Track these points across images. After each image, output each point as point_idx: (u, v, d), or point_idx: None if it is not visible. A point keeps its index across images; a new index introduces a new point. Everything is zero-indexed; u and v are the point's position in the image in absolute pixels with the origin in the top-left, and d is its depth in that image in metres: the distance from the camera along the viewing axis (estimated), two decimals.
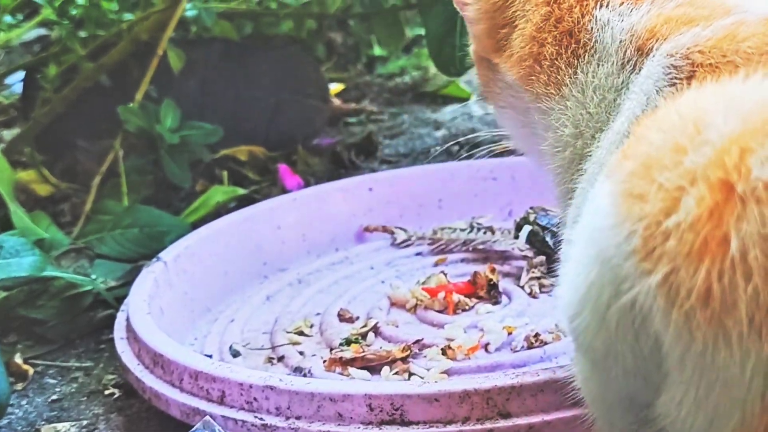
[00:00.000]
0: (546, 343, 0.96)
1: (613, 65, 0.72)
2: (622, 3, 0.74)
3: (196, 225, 1.39)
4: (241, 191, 1.48)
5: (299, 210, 1.25)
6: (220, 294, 1.15)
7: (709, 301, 0.49)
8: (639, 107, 0.67)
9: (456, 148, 1.64)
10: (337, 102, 1.94)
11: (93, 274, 1.23)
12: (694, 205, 0.50)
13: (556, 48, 0.76)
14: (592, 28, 0.74)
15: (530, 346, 0.96)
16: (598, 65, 0.73)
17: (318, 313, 1.09)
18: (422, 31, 1.96)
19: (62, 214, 1.48)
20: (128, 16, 1.58)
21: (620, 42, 0.72)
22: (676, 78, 0.65)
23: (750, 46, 0.63)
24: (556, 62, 0.76)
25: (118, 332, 0.99)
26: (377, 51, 2.18)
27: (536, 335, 0.97)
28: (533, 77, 0.78)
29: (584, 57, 0.74)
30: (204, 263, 1.14)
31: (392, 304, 1.09)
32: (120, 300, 1.13)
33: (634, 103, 0.68)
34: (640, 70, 0.70)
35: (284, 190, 1.51)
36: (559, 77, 0.76)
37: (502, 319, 1.02)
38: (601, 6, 0.75)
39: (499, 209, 1.29)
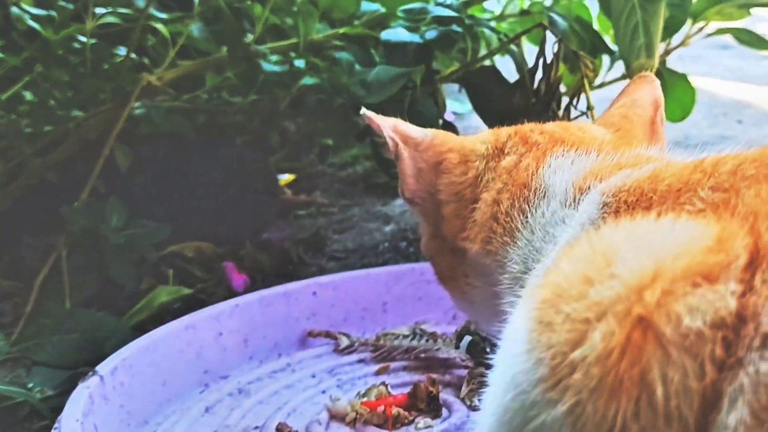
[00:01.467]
0: None
1: (559, 203, 0.77)
2: (577, 151, 0.81)
3: (139, 326, 1.38)
4: (186, 291, 1.47)
5: (242, 316, 1.24)
6: (158, 405, 1.13)
7: None
8: (573, 239, 0.71)
9: (404, 244, 1.65)
10: (288, 193, 1.95)
11: (30, 382, 1.21)
12: (600, 339, 0.51)
13: (511, 201, 0.82)
14: (543, 173, 0.80)
15: None
16: (549, 204, 0.78)
17: (257, 427, 1.07)
18: None
19: (4, 313, 1.46)
20: (77, 113, 1.59)
21: (567, 182, 0.77)
22: (606, 213, 0.69)
23: (667, 184, 0.67)
24: (510, 211, 0.81)
25: None
26: (330, 140, 2.19)
27: None
28: (492, 236, 0.83)
29: (534, 201, 0.80)
30: (142, 374, 1.13)
31: (332, 417, 1.08)
32: (58, 410, 1.10)
33: (569, 235, 0.72)
34: (578, 206, 0.75)
35: (230, 289, 1.51)
36: (513, 225, 0.81)
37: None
38: (555, 156, 0.82)
39: (443, 312, 1.30)
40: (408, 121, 1.38)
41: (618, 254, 0.55)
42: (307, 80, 1.61)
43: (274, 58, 1.57)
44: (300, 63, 1.59)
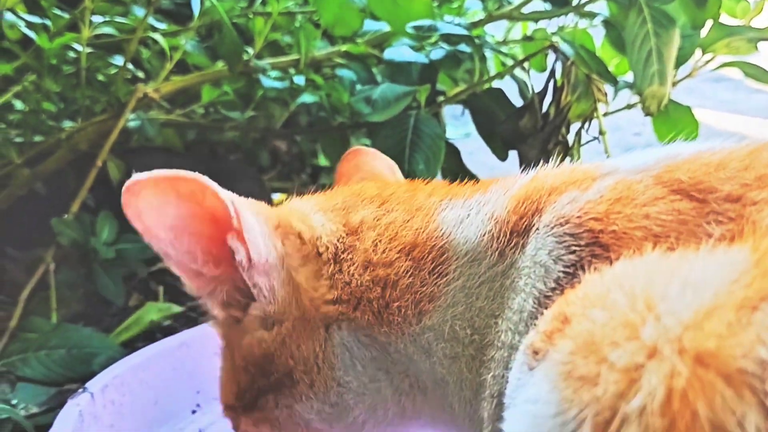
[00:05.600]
0: None
1: (492, 256, 0.68)
2: (467, 198, 0.72)
3: (128, 343, 1.33)
4: (176, 309, 1.42)
5: None
6: (149, 426, 1.08)
7: None
8: (538, 280, 0.63)
9: None
10: None
11: (15, 399, 1.16)
12: (661, 383, 0.45)
13: (406, 265, 0.71)
14: (443, 233, 0.71)
15: None
16: (473, 263, 0.69)
17: None
18: (368, 142, 1.97)
19: None
20: (68, 124, 1.55)
21: (487, 232, 0.69)
22: (575, 246, 0.62)
23: (661, 212, 0.60)
24: (414, 278, 0.70)
25: None
26: (322, 161, 2.16)
27: None
28: (392, 306, 0.71)
29: (450, 264, 0.70)
30: (133, 393, 1.08)
31: None
32: (43, 428, 1.06)
33: (532, 278, 0.64)
34: (523, 248, 0.66)
35: None
36: (426, 290, 0.70)
37: None
38: (444, 209, 0.72)
39: None
40: (412, 141, 1.37)
41: (659, 294, 0.49)
42: (307, 97, 1.57)
43: (273, 74, 1.54)
44: (300, 80, 1.56)
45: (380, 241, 0.72)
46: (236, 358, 0.77)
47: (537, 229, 0.65)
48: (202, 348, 1.17)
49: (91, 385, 1.04)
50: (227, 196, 0.70)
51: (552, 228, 0.64)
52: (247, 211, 0.71)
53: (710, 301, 0.47)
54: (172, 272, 1.61)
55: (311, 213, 0.77)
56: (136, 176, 0.69)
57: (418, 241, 0.71)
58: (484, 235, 0.69)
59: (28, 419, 1.12)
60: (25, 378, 1.20)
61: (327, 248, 0.73)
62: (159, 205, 0.70)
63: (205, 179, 0.70)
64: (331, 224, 0.75)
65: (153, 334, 1.36)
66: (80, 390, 1.03)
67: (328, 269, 0.73)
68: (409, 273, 0.70)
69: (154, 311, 1.39)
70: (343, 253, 0.73)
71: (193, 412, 1.13)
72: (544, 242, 0.64)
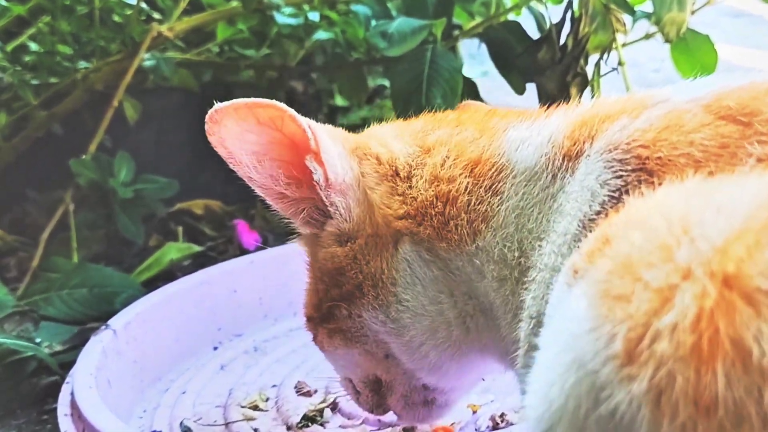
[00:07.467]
0: (511, 424, 0.92)
1: (547, 177, 0.70)
2: (533, 121, 0.73)
3: (148, 283, 1.34)
4: (196, 248, 1.43)
5: (256, 273, 1.20)
6: (171, 362, 1.10)
7: (715, 410, 0.44)
8: (585, 204, 0.65)
9: None
10: None
11: (38, 337, 1.17)
12: (692, 302, 0.46)
13: (467, 181, 0.73)
14: (505, 151, 0.72)
15: (495, 427, 0.92)
16: (528, 183, 0.71)
17: (274, 385, 1.04)
18: (385, 82, 1.95)
19: (8, 268, 1.43)
20: (83, 64, 1.54)
21: (544, 155, 0.70)
22: (622, 171, 0.63)
23: (704, 137, 0.61)
24: (471, 196, 0.72)
25: (62, 408, 0.93)
26: (339, 101, 2.14)
27: (502, 415, 0.93)
28: (450, 223, 0.72)
29: (505, 182, 0.71)
30: (155, 330, 1.09)
31: None
32: (66, 366, 1.08)
33: (578, 202, 0.65)
34: (573, 172, 0.68)
35: (241, 248, 1.47)
36: (481, 208, 0.72)
37: (467, 396, 0.98)
38: (511, 130, 0.74)
39: None
40: (429, 75, 1.35)
41: (694, 218, 0.50)
42: (322, 34, 1.56)
43: (287, 10, 1.52)
44: (314, 16, 1.54)
45: (448, 157, 0.74)
46: (315, 271, 0.80)
47: (588, 155, 0.67)
48: (222, 287, 1.18)
49: (114, 322, 1.05)
50: (304, 120, 0.73)
51: (602, 154, 0.65)
52: (323, 134, 0.74)
53: (740, 226, 0.48)
54: (191, 212, 1.62)
55: (390, 137, 0.79)
56: (218, 105, 0.72)
57: (482, 158, 0.73)
58: (541, 157, 0.70)
59: (51, 357, 1.14)
60: (48, 317, 1.21)
61: (403, 168, 0.76)
62: (240, 132, 0.74)
63: (283, 105, 0.73)
64: (408, 146, 0.77)
65: (173, 273, 1.37)
66: (103, 327, 1.05)
67: (402, 186, 0.75)
68: (468, 190, 0.72)
69: (173, 251, 1.40)
70: (415, 170, 0.75)
71: (215, 348, 1.15)
72: (594, 168, 0.65)
